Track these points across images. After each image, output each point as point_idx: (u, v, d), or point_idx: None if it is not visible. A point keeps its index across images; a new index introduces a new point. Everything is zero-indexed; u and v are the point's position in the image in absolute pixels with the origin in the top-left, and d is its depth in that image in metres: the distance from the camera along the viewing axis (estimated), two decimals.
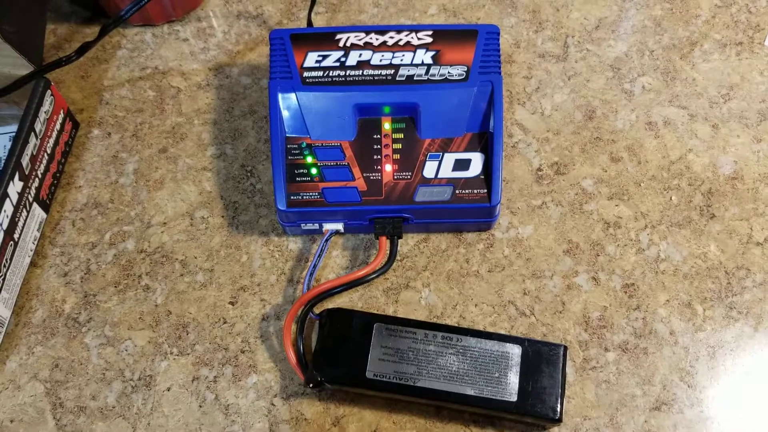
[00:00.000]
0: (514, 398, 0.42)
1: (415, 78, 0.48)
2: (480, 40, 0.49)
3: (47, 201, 0.51)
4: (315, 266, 0.47)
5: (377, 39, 0.49)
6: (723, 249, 0.49)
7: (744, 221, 0.50)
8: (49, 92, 0.50)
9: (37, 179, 0.49)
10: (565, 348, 0.44)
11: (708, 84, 0.55)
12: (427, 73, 0.48)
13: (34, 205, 0.49)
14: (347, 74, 0.48)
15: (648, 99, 0.54)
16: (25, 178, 0.47)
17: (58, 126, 0.51)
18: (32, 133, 0.48)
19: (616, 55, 0.56)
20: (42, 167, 0.49)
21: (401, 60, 0.48)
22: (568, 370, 0.45)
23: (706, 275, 0.48)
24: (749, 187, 0.51)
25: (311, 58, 0.48)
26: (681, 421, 0.44)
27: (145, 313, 0.48)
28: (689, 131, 0.53)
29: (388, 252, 0.47)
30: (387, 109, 0.48)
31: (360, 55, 0.48)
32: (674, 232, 0.49)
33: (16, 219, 0.46)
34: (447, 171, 0.47)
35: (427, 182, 0.47)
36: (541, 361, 0.43)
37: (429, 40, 0.49)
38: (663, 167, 0.52)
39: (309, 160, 0.48)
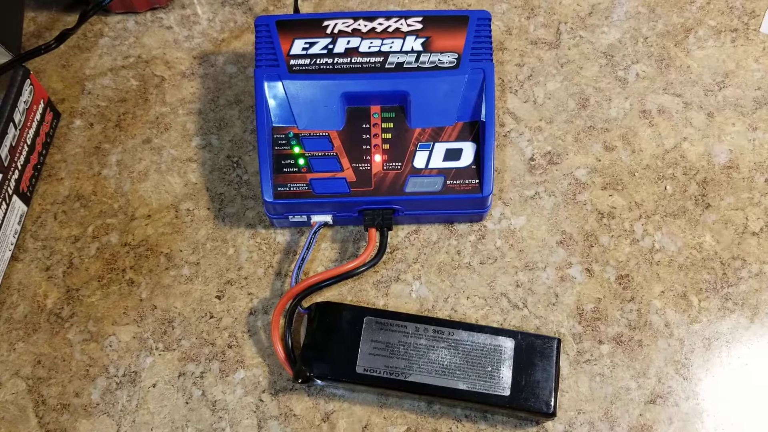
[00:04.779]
0: (507, 392, 0.41)
1: (404, 66, 0.47)
2: (471, 27, 0.48)
3: (28, 193, 0.49)
4: (303, 259, 0.46)
5: (366, 25, 0.48)
6: (718, 239, 0.48)
7: (739, 211, 0.49)
8: (28, 81, 0.48)
9: (17, 171, 0.47)
10: (559, 341, 0.43)
11: (703, 71, 0.54)
12: (417, 60, 0.47)
13: (14, 197, 0.47)
14: (335, 62, 0.47)
15: (642, 87, 0.53)
16: (4, 170, 0.46)
17: (38, 116, 0.50)
18: (11, 124, 0.46)
19: (609, 42, 0.55)
20: (22, 159, 0.48)
21: (390, 47, 0.47)
22: (562, 363, 0.45)
23: (701, 266, 0.47)
24: (745, 176, 0.50)
25: (298, 46, 0.47)
26: (676, 414, 0.43)
27: (130, 307, 0.47)
28: (684, 119, 0.52)
29: (377, 244, 0.46)
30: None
31: (348, 42, 0.47)
32: (669, 222, 0.49)
33: None
34: (438, 161, 0.46)
35: (417, 173, 0.46)
36: (535, 354, 0.42)
37: (419, 26, 0.48)
38: (657, 156, 0.51)
39: (296, 150, 0.46)
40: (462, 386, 0.42)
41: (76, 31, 0.49)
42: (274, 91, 0.47)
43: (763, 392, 0.44)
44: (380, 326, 0.43)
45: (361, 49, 0.47)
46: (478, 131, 0.47)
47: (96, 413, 0.44)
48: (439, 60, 0.47)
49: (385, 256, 0.47)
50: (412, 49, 0.47)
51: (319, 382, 0.43)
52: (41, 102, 0.50)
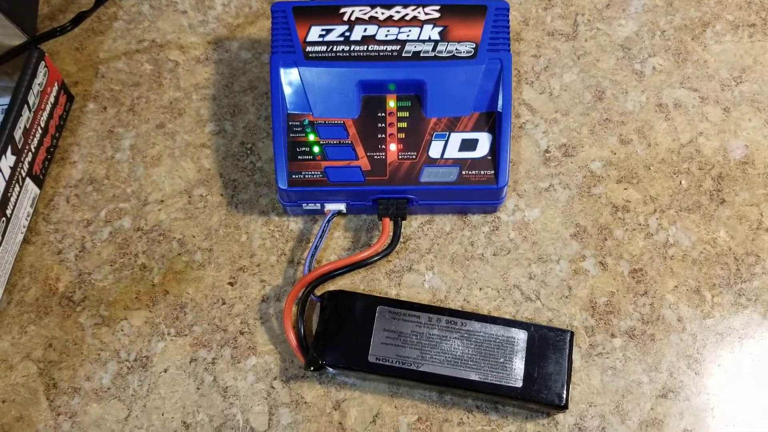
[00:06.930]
0: (519, 384, 0.41)
1: (421, 54, 0.46)
2: (489, 16, 0.47)
3: (41, 176, 0.49)
4: (316, 247, 0.46)
5: (383, 13, 0.47)
6: (733, 235, 0.48)
7: (754, 206, 0.49)
8: (42, 63, 0.48)
9: (30, 153, 0.47)
10: (572, 333, 0.43)
11: (720, 66, 0.54)
12: (434, 49, 0.47)
13: (27, 180, 0.47)
14: (351, 49, 0.47)
15: (659, 80, 0.53)
16: (17, 152, 0.46)
17: (52, 99, 0.49)
18: (25, 106, 0.46)
19: (626, 35, 0.55)
20: (35, 141, 0.48)
21: (407, 35, 0.47)
22: (574, 356, 0.44)
23: (715, 261, 0.47)
24: (760, 171, 0.50)
25: (314, 32, 0.47)
26: (687, 409, 0.43)
27: (142, 292, 0.47)
28: (700, 114, 0.52)
29: (391, 234, 0.46)
30: (392, 87, 0.47)
31: (365, 29, 0.47)
32: (683, 216, 0.48)
33: (9, 194, 0.45)
34: (453, 151, 0.46)
35: (432, 162, 0.46)
36: (547, 346, 0.42)
37: (436, 15, 0.47)
38: (673, 150, 0.51)
39: (311, 137, 0.46)
40: (474, 377, 0.42)
41: (92, 14, 0.49)
42: (290, 78, 0.46)
43: None
44: (393, 316, 0.43)
45: (378, 37, 0.47)
46: (494, 122, 0.46)
47: (107, 397, 0.44)
48: (456, 49, 0.47)
49: (398, 246, 0.47)
50: (430, 38, 0.47)
51: (330, 370, 0.43)
52: (55, 84, 0.50)
